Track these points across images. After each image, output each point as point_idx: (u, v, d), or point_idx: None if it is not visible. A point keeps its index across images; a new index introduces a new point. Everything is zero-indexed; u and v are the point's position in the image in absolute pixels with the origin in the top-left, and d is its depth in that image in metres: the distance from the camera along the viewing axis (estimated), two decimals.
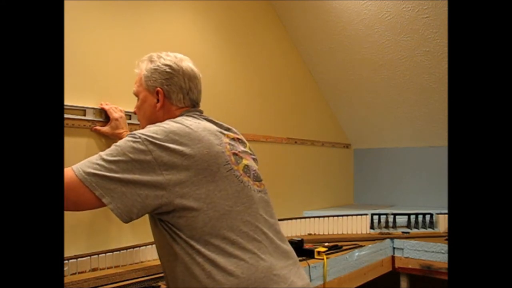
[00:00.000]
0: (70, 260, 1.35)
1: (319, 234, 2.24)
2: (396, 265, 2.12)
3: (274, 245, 1.00)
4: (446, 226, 2.27)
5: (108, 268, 1.45)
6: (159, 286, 1.30)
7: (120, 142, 0.94)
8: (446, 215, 2.29)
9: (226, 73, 2.10)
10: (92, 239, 1.47)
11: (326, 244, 1.90)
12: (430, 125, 2.64)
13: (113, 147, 0.94)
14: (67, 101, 1.40)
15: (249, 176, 1.03)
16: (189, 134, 0.97)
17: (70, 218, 1.36)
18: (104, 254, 1.44)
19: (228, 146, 1.03)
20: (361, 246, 1.94)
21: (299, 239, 1.80)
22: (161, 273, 1.29)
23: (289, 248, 1.05)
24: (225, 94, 2.08)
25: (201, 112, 1.14)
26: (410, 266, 2.07)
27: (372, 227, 2.28)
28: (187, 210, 0.92)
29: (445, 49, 2.22)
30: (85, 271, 1.39)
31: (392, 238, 2.13)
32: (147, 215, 0.99)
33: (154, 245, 1.50)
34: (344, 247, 1.89)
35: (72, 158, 1.05)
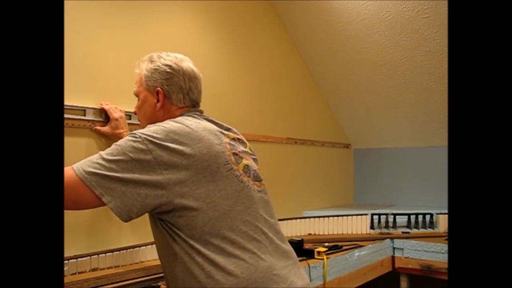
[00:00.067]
0: (70, 260, 1.35)
1: (319, 234, 2.24)
2: (396, 265, 2.12)
3: (274, 245, 1.00)
4: (446, 226, 2.27)
5: (108, 268, 1.45)
6: (159, 286, 1.30)
7: (120, 142, 0.94)
8: (446, 215, 2.29)
9: (226, 73, 2.10)
10: (92, 239, 1.47)
11: (326, 244, 1.90)
12: (430, 125, 2.64)
13: (113, 146, 0.94)
14: (67, 101, 1.40)
15: (249, 176, 1.03)
16: (189, 134, 0.97)
17: (70, 218, 1.36)
18: (104, 254, 1.44)
19: (228, 146, 1.03)
20: (361, 246, 1.94)
21: (299, 239, 1.80)
22: (161, 273, 1.29)
23: (289, 248, 1.05)
24: (225, 94, 2.08)
25: (201, 112, 1.14)
26: (410, 266, 2.07)
27: (372, 227, 2.27)
28: (187, 210, 0.92)
29: (445, 49, 2.22)
30: (85, 271, 1.39)
31: (392, 238, 2.13)
32: (147, 215, 0.99)
33: (154, 245, 1.50)
34: (344, 247, 1.89)
35: (72, 158, 1.05)
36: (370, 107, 2.74)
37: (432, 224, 2.31)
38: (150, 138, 0.93)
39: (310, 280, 1.40)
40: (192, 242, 0.92)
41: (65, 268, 1.33)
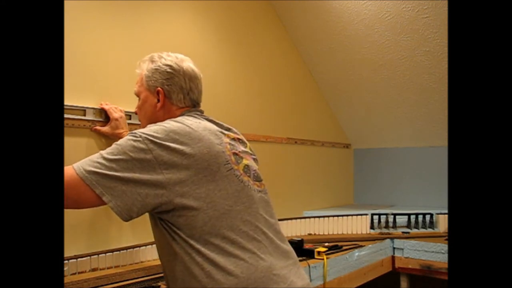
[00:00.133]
0: (70, 260, 1.35)
1: (319, 234, 2.24)
2: (396, 265, 2.12)
3: (274, 245, 1.00)
4: (446, 226, 2.27)
5: (108, 268, 1.45)
6: (159, 286, 1.30)
7: (121, 141, 0.95)
8: (446, 215, 2.29)
9: (226, 73, 2.10)
10: (92, 239, 1.47)
11: (326, 244, 1.90)
12: (430, 125, 2.64)
13: (114, 145, 0.94)
14: (67, 101, 1.40)
15: (249, 176, 1.04)
16: (189, 134, 0.97)
17: (70, 217, 1.36)
18: (104, 254, 1.45)
19: (228, 146, 1.03)
20: (361, 246, 1.94)
21: (299, 239, 1.80)
22: (161, 273, 1.29)
23: (289, 248, 1.05)
24: (225, 94, 2.08)
25: (201, 112, 1.14)
26: (410, 266, 2.07)
27: (372, 227, 2.28)
28: (187, 209, 0.92)
29: (445, 49, 2.22)
30: (85, 271, 1.39)
31: (392, 238, 2.13)
32: (147, 215, 0.99)
33: (154, 245, 1.50)
34: (344, 247, 1.89)
35: (72, 158, 1.05)
36: (370, 107, 2.74)
37: (432, 224, 2.31)
38: (151, 138, 0.93)
39: (310, 280, 1.40)
40: (192, 241, 0.92)
41: (65, 268, 1.33)
